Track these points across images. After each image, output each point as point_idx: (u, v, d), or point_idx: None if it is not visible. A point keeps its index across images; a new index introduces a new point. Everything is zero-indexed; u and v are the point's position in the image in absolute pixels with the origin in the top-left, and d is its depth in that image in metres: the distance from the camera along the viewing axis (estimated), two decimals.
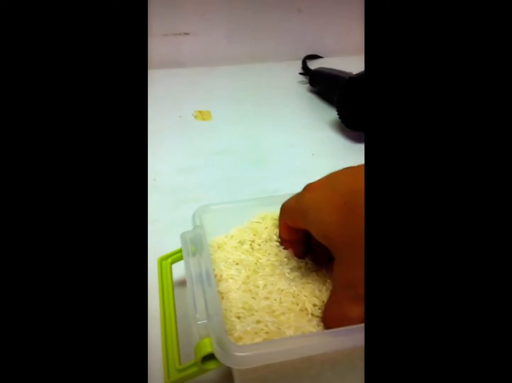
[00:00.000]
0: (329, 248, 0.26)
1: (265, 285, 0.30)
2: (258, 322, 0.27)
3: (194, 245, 0.31)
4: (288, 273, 0.31)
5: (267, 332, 0.26)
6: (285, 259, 0.32)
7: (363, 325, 0.23)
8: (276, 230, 0.33)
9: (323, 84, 0.64)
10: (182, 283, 0.35)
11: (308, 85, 0.67)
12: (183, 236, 0.31)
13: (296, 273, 0.31)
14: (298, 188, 0.46)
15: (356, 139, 0.54)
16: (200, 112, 0.59)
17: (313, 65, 0.72)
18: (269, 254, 0.32)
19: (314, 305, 0.28)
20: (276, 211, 0.33)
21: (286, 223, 0.31)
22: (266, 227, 0.34)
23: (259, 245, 0.33)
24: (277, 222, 0.34)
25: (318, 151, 0.54)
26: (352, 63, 0.58)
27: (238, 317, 0.28)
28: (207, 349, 0.24)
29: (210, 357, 0.25)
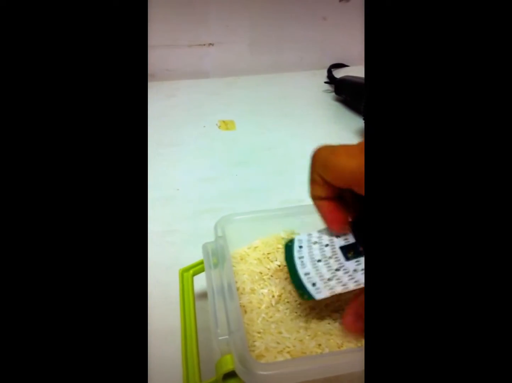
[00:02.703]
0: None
1: (289, 301, 0.29)
2: (281, 339, 0.26)
3: (216, 256, 0.30)
4: None
5: (290, 351, 0.25)
6: None
7: None
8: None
9: (349, 92, 0.63)
10: (204, 295, 0.34)
11: (333, 94, 0.66)
12: (204, 247, 0.31)
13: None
14: None
15: None
16: (224, 122, 0.59)
17: (338, 74, 0.71)
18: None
19: (336, 320, 0.27)
20: (304, 228, 0.32)
21: (323, 177, 0.25)
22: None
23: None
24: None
25: None
26: None
27: (260, 333, 0.26)
28: (228, 367, 0.23)
29: (231, 374, 0.24)
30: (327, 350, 0.25)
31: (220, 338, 0.24)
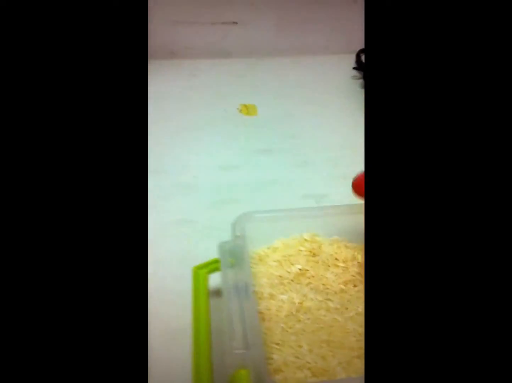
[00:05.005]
0: None
1: (311, 310, 0.27)
2: (301, 353, 0.24)
3: (234, 257, 0.28)
4: (342, 302, 0.27)
5: (310, 367, 0.23)
6: (341, 286, 0.29)
7: None
8: (333, 251, 0.30)
9: None
10: (219, 293, 0.32)
11: (361, 80, 0.63)
12: (221, 247, 0.28)
13: (352, 304, 0.28)
14: (346, 195, 0.42)
15: None
16: (245, 106, 0.56)
17: None
18: (321, 276, 0.29)
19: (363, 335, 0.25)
20: (329, 230, 0.30)
21: None
22: (320, 247, 0.31)
23: (310, 265, 0.30)
24: (329, 243, 0.31)
25: None
26: None
27: (278, 344, 0.25)
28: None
29: None
30: (351, 372, 0.23)
31: (236, 351, 0.22)
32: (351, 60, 0.68)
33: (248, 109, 0.55)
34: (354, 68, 0.65)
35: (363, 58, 0.67)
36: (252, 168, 0.47)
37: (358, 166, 0.47)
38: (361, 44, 0.71)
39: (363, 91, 0.62)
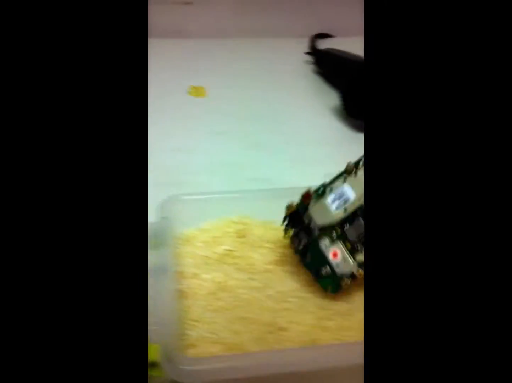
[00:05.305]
0: None
1: (234, 290, 0.28)
2: (216, 329, 0.25)
3: (158, 238, 0.28)
4: (264, 281, 0.28)
5: (224, 342, 0.24)
6: (266, 266, 0.30)
7: (343, 343, 0.24)
8: (261, 233, 0.31)
9: (330, 66, 0.60)
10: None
11: (314, 65, 0.63)
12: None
13: (273, 282, 0.29)
14: (292, 177, 0.42)
15: (359, 128, 0.51)
16: (194, 87, 0.56)
17: (322, 44, 0.67)
18: (247, 256, 0.30)
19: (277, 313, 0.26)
20: (260, 213, 0.31)
21: None
22: (248, 228, 0.31)
23: (237, 246, 0.31)
24: (259, 225, 0.32)
25: (317, 138, 0.51)
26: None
27: (195, 321, 0.25)
28: (151, 357, 0.22)
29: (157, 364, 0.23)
30: (262, 346, 0.24)
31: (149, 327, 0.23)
32: (307, 45, 0.68)
33: (197, 91, 0.55)
34: (307, 53, 0.65)
35: (316, 43, 0.67)
36: (198, 151, 0.47)
37: (307, 149, 0.49)
38: (319, 29, 0.71)
39: (313, 76, 0.62)
